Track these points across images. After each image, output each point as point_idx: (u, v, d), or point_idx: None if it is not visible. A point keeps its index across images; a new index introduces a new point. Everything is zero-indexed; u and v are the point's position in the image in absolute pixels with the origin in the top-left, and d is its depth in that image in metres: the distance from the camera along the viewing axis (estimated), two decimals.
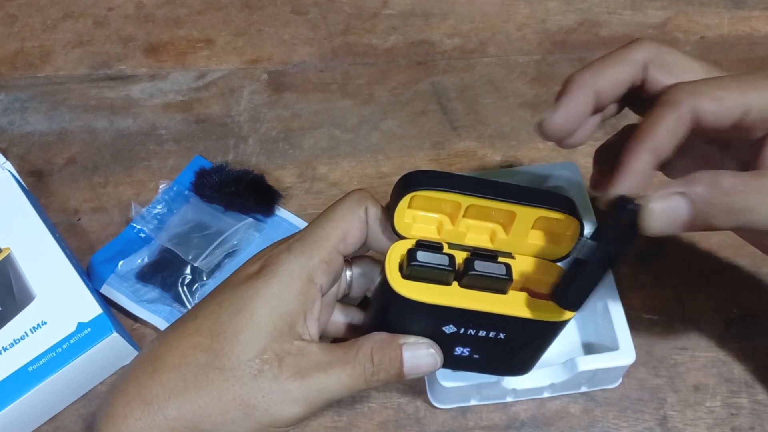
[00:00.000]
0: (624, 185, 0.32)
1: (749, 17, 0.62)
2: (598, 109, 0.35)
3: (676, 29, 0.62)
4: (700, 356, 0.47)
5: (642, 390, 0.46)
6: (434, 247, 0.34)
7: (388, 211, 0.35)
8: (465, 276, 0.34)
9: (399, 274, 0.33)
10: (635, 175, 0.32)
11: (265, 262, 0.34)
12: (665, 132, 0.31)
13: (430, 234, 0.35)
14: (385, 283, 0.33)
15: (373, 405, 0.46)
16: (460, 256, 0.34)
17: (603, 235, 0.31)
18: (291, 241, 0.35)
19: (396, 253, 0.34)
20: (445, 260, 0.33)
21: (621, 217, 0.30)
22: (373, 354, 0.34)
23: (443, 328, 0.35)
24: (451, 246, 0.35)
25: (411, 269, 0.33)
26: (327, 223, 0.34)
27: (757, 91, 0.32)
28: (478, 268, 0.33)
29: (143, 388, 0.33)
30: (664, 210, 0.30)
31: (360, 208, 0.35)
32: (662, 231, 0.31)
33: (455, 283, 0.34)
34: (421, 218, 0.35)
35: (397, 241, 0.34)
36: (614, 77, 0.34)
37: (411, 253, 0.33)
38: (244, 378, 0.32)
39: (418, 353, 0.35)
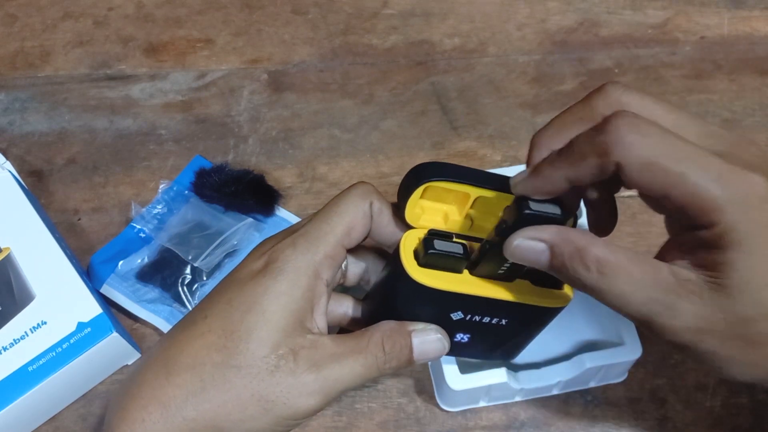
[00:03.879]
0: (528, 187, 0.31)
1: (749, 17, 0.62)
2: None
3: (676, 29, 0.62)
4: None
5: (642, 390, 0.46)
6: (445, 236, 0.34)
7: (395, 204, 0.35)
8: (479, 265, 0.34)
9: (414, 262, 0.34)
10: (544, 187, 0.31)
11: (269, 258, 0.34)
12: (586, 173, 0.29)
13: (437, 225, 0.35)
14: (399, 271, 0.33)
15: (373, 405, 0.46)
16: (470, 246, 0.35)
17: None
18: (295, 235, 0.34)
19: (409, 242, 0.34)
20: (460, 249, 0.34)
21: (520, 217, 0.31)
22: (384, 342, 0.34)
23: (451, 315, 0.35)
24: (457, 236, 0.35)
25: (428, 257, 0.33)
26: (331, 218, 0.35)
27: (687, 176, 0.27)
28: None
29: (158, 391, 0.32)
30: (525, 248, 0.31)
31: (364, 202, 0.35)
32: (520, 261, 0.31)
33: (466, 271, 0.35)
34: (429, 209, 0.35)
35: (407, 230, 0.35)
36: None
37: (427, 242, 0.33)
38: (261, 374, 0.32)
39: (427, 339, 0.35)
